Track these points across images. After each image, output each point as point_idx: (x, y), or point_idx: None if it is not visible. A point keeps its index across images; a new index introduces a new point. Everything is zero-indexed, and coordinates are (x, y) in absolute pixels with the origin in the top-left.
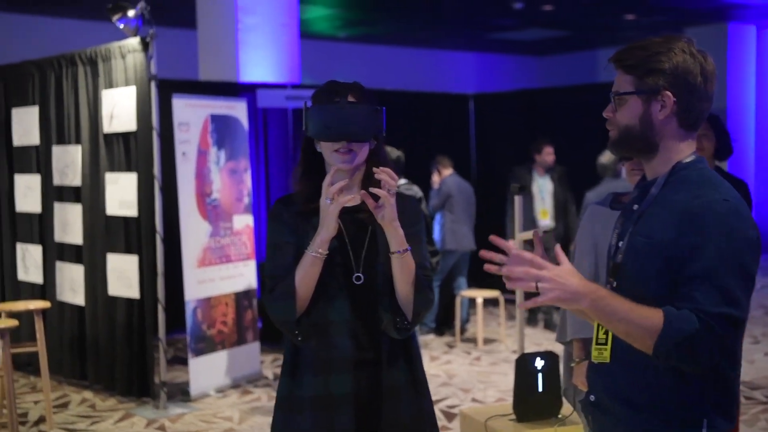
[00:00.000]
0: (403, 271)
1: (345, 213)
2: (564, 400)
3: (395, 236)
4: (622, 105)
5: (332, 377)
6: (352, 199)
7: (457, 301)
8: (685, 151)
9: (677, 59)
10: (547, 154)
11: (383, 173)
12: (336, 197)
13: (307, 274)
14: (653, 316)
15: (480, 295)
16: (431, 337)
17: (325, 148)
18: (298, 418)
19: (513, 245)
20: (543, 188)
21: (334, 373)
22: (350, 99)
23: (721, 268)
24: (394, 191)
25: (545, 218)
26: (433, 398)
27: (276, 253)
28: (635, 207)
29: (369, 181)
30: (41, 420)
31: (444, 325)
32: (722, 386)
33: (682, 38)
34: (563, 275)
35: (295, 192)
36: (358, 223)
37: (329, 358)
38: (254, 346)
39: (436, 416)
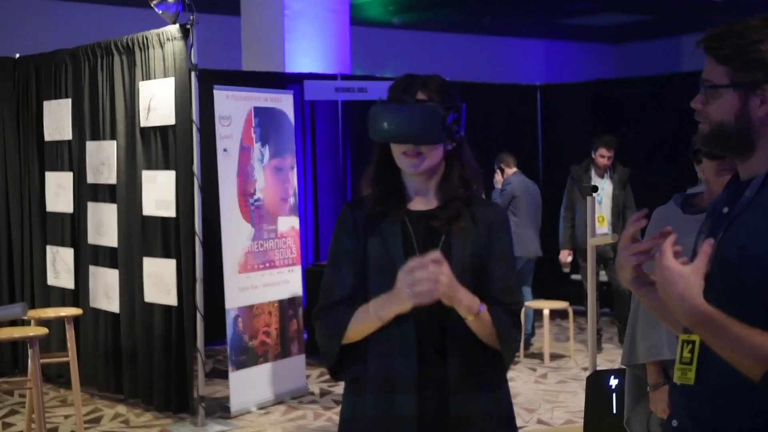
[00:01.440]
0: (481, 330)
1: (416, 217)
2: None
3: (460, 307)
4: (716, 98)
5: (396, 397)
6: (429, 295)
7: (522, 312)
8: None
9: None
10: (601, 156)
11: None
12: (415, 291)
13: (362, 330)
14: (763, 344)
15: (547, 306)
16: None
17: (394, 150)
18: None
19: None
20: (602, 191)
21: (397, 393)
22: (420, 96)
23: None
24: (444, 279)
25: (602, 225)
26: None
27: (334, 265)
28: (725, 210)
29: (447, 185)
30: None
31: None
32: None
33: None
34: (681, 279)
35: (366, 194)
36: (429, 229)
37: (391, 377)
38: (299, 359)
39: None
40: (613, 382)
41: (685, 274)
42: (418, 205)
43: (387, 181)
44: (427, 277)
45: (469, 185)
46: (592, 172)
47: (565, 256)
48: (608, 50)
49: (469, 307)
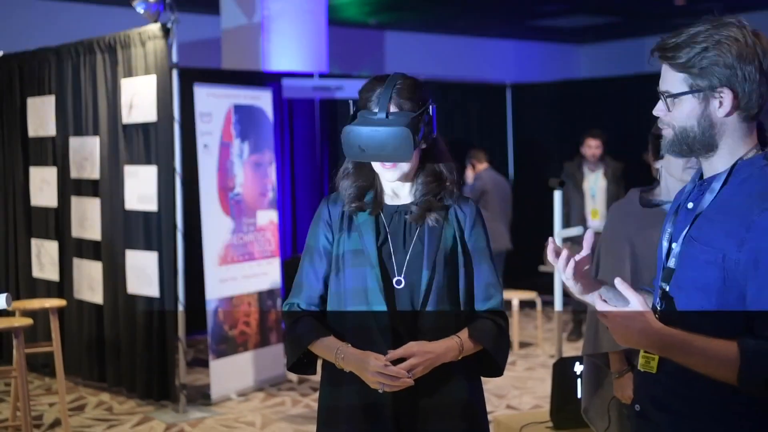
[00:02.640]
0: (473, 352)
1: (390, 212)
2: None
3: (442, 359)
4: (677, 105)
5: (368, 390)
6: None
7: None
8: (746, 145)
9: (732, 50)
10: (588, 147)
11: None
12: (385, 388)
13: (322, 355)
14: (728, 351)
15: (516, 296)
16: None
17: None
18: (339, 430)
19: (560, 248)
20: (594, 185)
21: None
22: (392, 108)
23: None
24: (418, 372)
25: (596, 218)
26: None
27: (308, 260)
28: (690, 206)
29: (421, 182)
30: (56, 423)
31: None
32: None
33: (732, 23)
34: (633, 323)
35: (341, 190)
36: (403, 224)
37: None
38: (278, 348)
39: None
40: (578, 368)
41: (632, 314)
42: (393, 200)
43: (363, 177)
44: (399, 377)
45: (443, 181)
46: (585, 168)
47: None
48: (576, 51)
49: (452, 357)
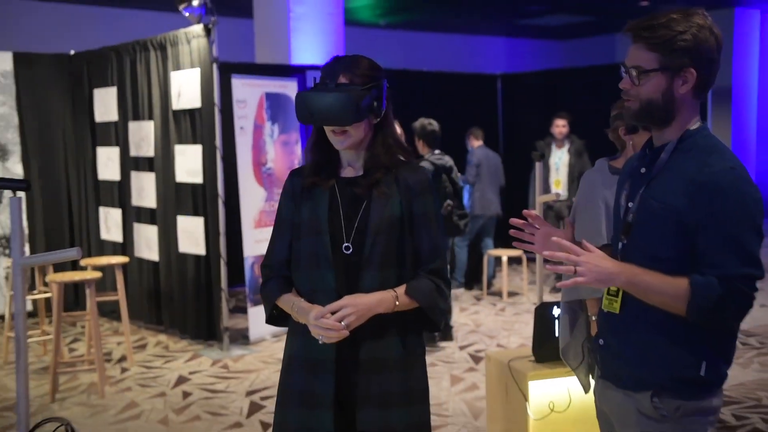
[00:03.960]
0: (410, 307)
1: (343, 184)
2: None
3: (376, 310)
4: (646, 79)
5: (316, 342)
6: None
7: (485, 259)
8: (693, 118)
9: (700, 36)
10: (556, 126)
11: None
12: (323, 339)
13: (286, 309)
14: (680, 286)
15: (505, 254)
16: (461, 291)
17: (325, 128)
18: (292, 377)
19: (536, 214)
20: (559, 160)
21: (317, 338)
22: (342, 80)
23: (738, 232)
24: (342, 327)
25: (558, 188)
26: (462, 344)
27: (276, 230)
28: (643, 170)
29: (371, 154)
30: (123, 359)
31: (473, 280)
32: (725, 334)
33: (698, 11)
34: (598, 261)
35: (305, 164)
36: (353, 194)
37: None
38: None
39: (464, 366)
40: (556, 311)
41: (600, 254)
42: (348, 172)
43: (322, 153)
44: (333, 330)
45: (393, 153)
46: (553, 146)
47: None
48: (557, 46)
49: (386, 308)
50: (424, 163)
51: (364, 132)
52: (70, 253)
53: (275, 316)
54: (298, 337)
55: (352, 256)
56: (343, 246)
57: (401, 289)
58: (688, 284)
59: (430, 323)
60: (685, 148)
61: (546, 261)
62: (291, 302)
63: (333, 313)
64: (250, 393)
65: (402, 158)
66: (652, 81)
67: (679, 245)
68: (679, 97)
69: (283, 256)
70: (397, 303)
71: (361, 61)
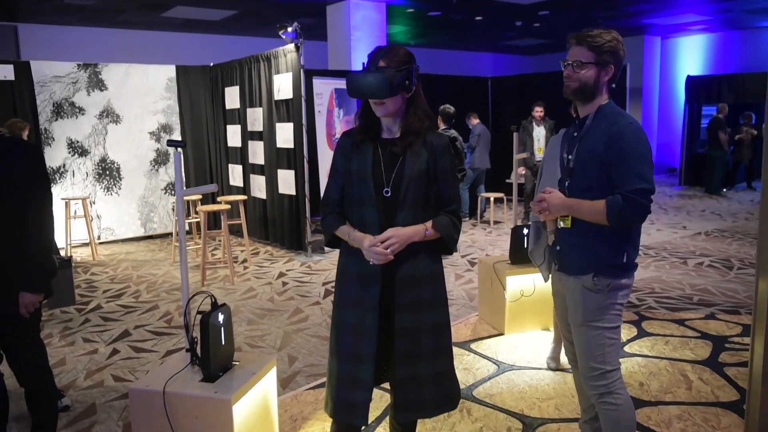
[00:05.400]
0: (434, 237)
1: (384, 144)
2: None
3: (413, 239)
4: (583, 69)
5: (366, 261)
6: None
7: (479, 199)
8: (605, 97)
9: (618, 46)
10: (536, 111)
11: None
12: (373, 262)
13: (342, 236)
14: (600, 205)
15: (492, 195)
16: (464, 221)
17: (370, 101)
18: (347, 287)
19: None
20: (539, 134)
21: (366, 259)
22: (381, 64)
23: (636, 162)
24: (389, 252)
25: (540, 153)
26: (463, 254)
27: (331, 179)
28: (575, 134)
29: (405, 122)
30: (245, 260)
31: (471, 213)
32: (634, 233)
33: (615, 32)
34: (555, 200)
35: (355, 126)
36: (392, 152)
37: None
38: None
39: (464, 268)
40: (525, 231)
41: (556, 194)
42: (387, 134)
43: (367, 118)
44: (382, 254)
45: (422, 120)
46: (533, 123)
47: (520, 171)
48: (528, 59)
49: (419, 237)
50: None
51: (398, 104)
52: (211, 187)
53: (332, 242)
54: (352, 257)
55: (390, 198)
56: (384, 190)
57: (429, 224)
58: (605, 203)
59: (447, 248)
60: (600, 116)
61: (520, 200)
62: (347, 232)
63: (382, 242)
64: (324, 283)
65: (429, 125)
66: (587, 71)
67: (601, 178)
68: (601, 84)
69: (337, 196)
70: (427, 233)
71: (397, 49)
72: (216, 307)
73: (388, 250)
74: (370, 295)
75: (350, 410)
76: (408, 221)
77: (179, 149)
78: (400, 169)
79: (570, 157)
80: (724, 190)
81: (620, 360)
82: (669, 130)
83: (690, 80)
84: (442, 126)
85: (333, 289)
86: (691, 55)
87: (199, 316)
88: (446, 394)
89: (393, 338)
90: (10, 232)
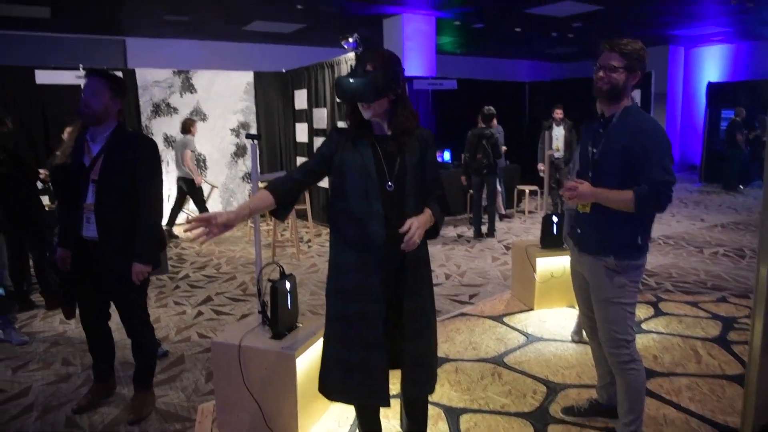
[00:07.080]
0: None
1: (380, 140)
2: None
3: (428, 224)
4: (615, 73)
5: (367, 251)
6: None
7: (515, 192)
8: (630, 99)
9: (644, 54)
10: (555, 113)
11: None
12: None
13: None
14: (628, 195)
15: (526, 188)
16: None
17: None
18: (344, 277)
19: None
20: (558, 133)
21: (368, 249)
22: (368, 67)
23: (660, 156)
24: (415, 240)
25: (558, 151)
26: (500, 239)
27: (311, 157)
28: (601, 131)
29: (395, 122)
30: (309, 240)
31: (509, 204)
32: (648, 219)
33: (640, 41)
34: (585, 189)
35: (347, 124)
36: (389, 150)
37: (367, 238)
38: None
39: (500, 251)
40: (555, 219)
41: (587, 185)
42: (378, 132)
43: (357, 117)
44: (413, 243)
45: (410, 120)
46: (553, 124)
47: (540, 167)
48: (561, 66)
49: (429, 224)
50: (475, 130)
51: (384, 106)
52: (281, 174)
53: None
54: (347, 251)
55: (393, 191)
56: (387, 185)
57: (429, 212)
58: (632, 193)
59: (436, 233)
60: (625, 115)
61: (551, 193)
62: (249, 203)
63: (405, 231)
64: None
65: (416, 124)
66: (618, 74)
67: (623, 171)
68: (629, 87)
69: (298, 176)
70: (433, 222)
71: (382, 53)
72: (284, 276)
73: (416, 236)
74: (373, 283)
75: (371, 393)
76: (418, 210)
77: (255, 141)
78: (402, 165)
79: (595, 150)
80: (741, 186)
81: (637, 336)
82: (691, 131)
83: (711, 86)
84: (481, 124)
85: None
86: (712, 63)
87: (269, 284)
88: (432, 370)
89: (398, 321)
90: (133, 211)
